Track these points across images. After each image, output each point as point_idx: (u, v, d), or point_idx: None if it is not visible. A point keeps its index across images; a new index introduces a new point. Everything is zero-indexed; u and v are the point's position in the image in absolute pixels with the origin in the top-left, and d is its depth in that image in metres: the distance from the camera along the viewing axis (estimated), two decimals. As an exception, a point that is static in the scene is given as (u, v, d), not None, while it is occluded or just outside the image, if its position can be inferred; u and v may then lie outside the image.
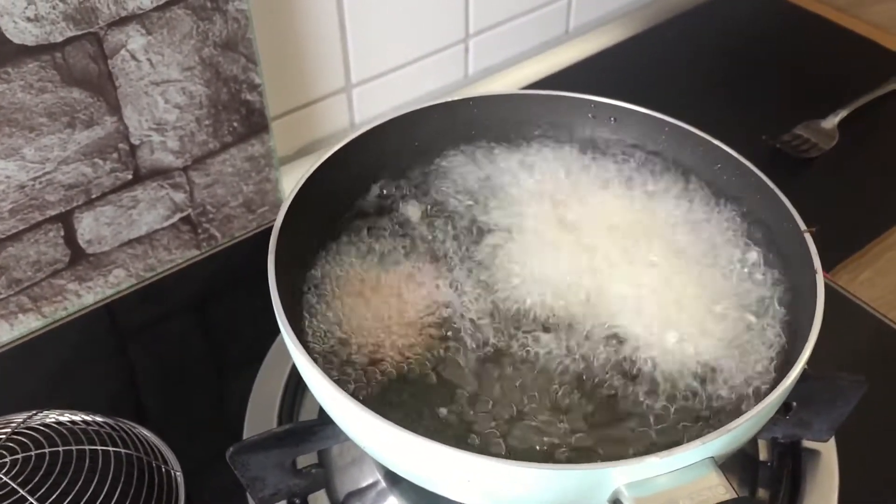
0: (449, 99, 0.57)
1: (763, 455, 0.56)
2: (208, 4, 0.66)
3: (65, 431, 0.46)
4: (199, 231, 0.75)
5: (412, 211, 0.56)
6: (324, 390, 0.41)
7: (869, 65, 0.95)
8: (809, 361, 0.54)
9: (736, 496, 0.37)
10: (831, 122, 0.86)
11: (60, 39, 0.60)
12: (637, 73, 0.94)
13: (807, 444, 0.55)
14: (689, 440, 0.38)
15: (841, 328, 0.66)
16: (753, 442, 0.55)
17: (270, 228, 0.71)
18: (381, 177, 0.58)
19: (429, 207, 0.56)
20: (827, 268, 0.73)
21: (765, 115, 0.89)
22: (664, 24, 1.01)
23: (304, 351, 0.42)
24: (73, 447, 0.45)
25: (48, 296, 0.69)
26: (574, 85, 0.62)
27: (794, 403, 0.51)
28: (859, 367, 0.50)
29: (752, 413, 0.39)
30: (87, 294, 0.71)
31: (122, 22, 0.62)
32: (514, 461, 0.37)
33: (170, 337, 0.68)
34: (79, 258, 0.69)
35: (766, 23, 1.02)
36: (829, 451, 0.55)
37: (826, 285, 0.68)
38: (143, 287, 0.72)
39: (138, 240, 0.72)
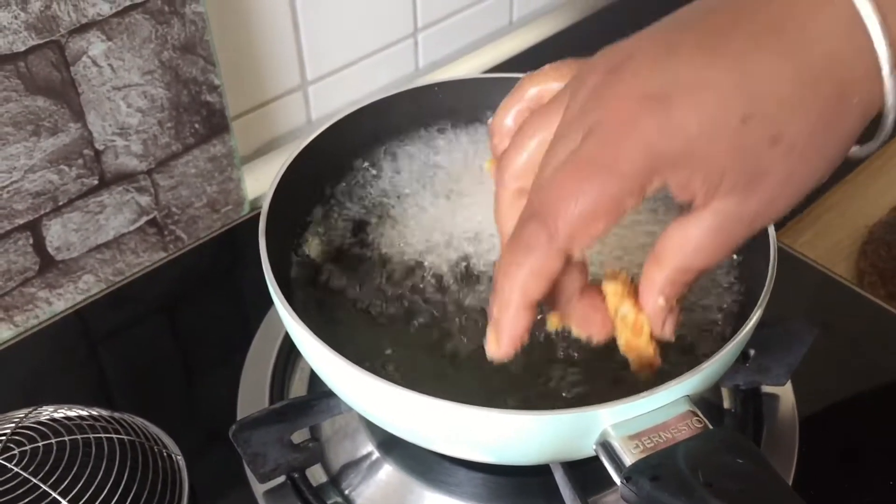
0: (414, 86, 0.59)
1: (727, 403, 0.59)
2: (166, 8, 0.67)
3: (68, 423, 0.47)
4: (166, 233, 0.76)
5: (388, 187, 0.59)
6: (318, 354, 0.43)
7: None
8: (765, 311, 0.58)
9: (710, 427, 0.40)
10: (765, 96, 0.91)
11: (23, 49, 0.61)
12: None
13: (766, 389, 0.59)
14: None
15: (790, 283, 0.71)
16: (717, 391, 0.59)
17: (234, 229, 0.73)
18: (355, 159, 0.60)
19: (404, 183, 0.59)
20: (770, 234, 0.78)
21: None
22: (603, 11, 1.04)
23: (294, 315, 0.44)
24: (79, 436, 0.46)
25: (19, 305, 0.69)
26: (520, 73, 0.64)
27: (753, 351, 0.55)
28: (809, 315, 0.54)
29: (723, 353, 0.42)
30: (58, 301, 0.72)
31: (82, 29, 0.63)
32: (511, 410, 0.40)
33: (153, 335, 0.69)
34: (48, 266, 0.70)
35: (698, 6, 1.06)
36: (786, 395, 0.59)
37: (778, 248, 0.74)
38: (114, 290, 0.73)
39: (106, 244, 0.73)
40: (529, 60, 0.96)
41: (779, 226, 0.78)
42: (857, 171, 0.85)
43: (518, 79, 0.61)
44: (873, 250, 0.78)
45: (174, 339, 0.70)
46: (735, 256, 0.53)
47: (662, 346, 0.48)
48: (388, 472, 0.54)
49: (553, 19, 1.02)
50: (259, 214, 0.50)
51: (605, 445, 0.41)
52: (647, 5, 1.03)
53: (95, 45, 0.64)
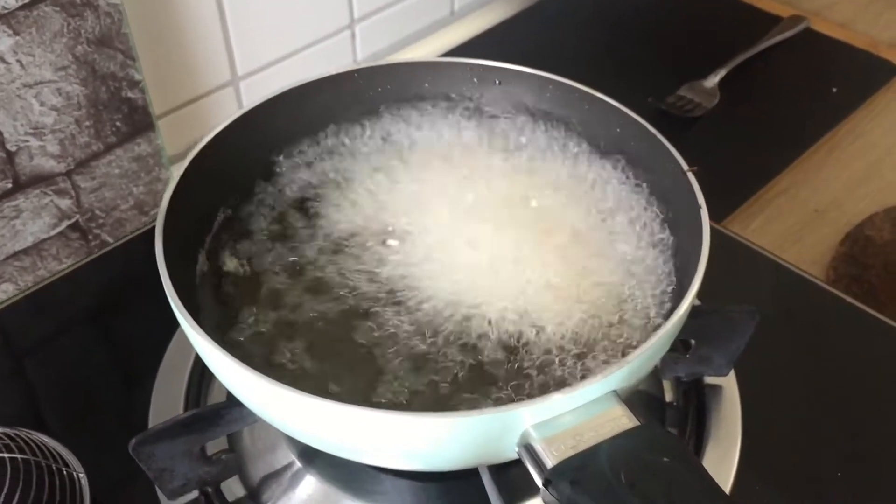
0: (335, 72, 0.57)
1: (669, 396, 0.57)
2: (78, 0, 0.64)
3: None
4: (90, 237, 0.73)
5: (304, 182, 0.56)
6: (221, 363, 0.40)
7: (743, 26, 0.98)
8: (709, 301, 0.56)
9: (637, 424, 0.38)
10: (712, 81, 0.89)
11: (-80, 45, 0.58)
12: (523, 49, 0.95)
13: (709, 380, 0.57)
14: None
15: (738, 272, 0.69)
16: (659, 384, 0.57)
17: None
18: (271, 153, 0.58)
19: (317, 179, 0.56)
20: (718, 219, 0.76)
21: (649, 79, 0.91)
22: (545, 2, 1.03)
23: (194, 323, 0.41)
24: (-35, 456, 0.43)
25: (-68, 317, 0.66)
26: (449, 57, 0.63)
27: (693, 341, 0.52)
28: (758, 304, 0.52)
29: (648, 345, 0.40)
30: (-24, 312, 0.68)
31: (-15, 23, 0.60)
32: (426, 413, 0.37)
33: (64, 342, 0.66)
34: (-37, 275, 0.67)
35: (643, -8, 1.05)
36: (730, 386, 0.57)
37: (720, 233, 0.72)
38: (31, 294, 0.69)
39: (25, 251, 0.69)
40: (471, 51, 0.94)
41: (728, 212, 0.77)
42: (806, 155, 0.83)
43: (437, 63, 0.60)
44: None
45: (92, 344, 0.66)
46: (675, 252, 0.51)
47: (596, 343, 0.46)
48: (310, 483, 0.51)
49: (495, 9, 1.01)
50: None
51: (528, 447, 0.38)
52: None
53: (2, 41, 0.61)
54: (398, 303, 0.48)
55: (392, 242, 0.51)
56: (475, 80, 0.59)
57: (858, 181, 0.82)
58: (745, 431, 0.55)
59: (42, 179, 0.68)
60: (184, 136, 0.81)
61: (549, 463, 0.37)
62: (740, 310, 0.51)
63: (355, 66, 0.57)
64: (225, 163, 0.53)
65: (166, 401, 0.55)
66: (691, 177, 0.49)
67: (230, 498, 0.51)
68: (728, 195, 0.78)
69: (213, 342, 0.40)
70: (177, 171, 0.51)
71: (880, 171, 0.83)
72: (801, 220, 0.78)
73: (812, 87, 0.91)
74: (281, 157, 0.58)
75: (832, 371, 0.61)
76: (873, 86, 0.90)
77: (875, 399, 0.60)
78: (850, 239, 0.78)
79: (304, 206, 0.55)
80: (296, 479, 0.51)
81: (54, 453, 0.48)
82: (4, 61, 0.62)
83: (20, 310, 0.68)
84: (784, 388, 0.60)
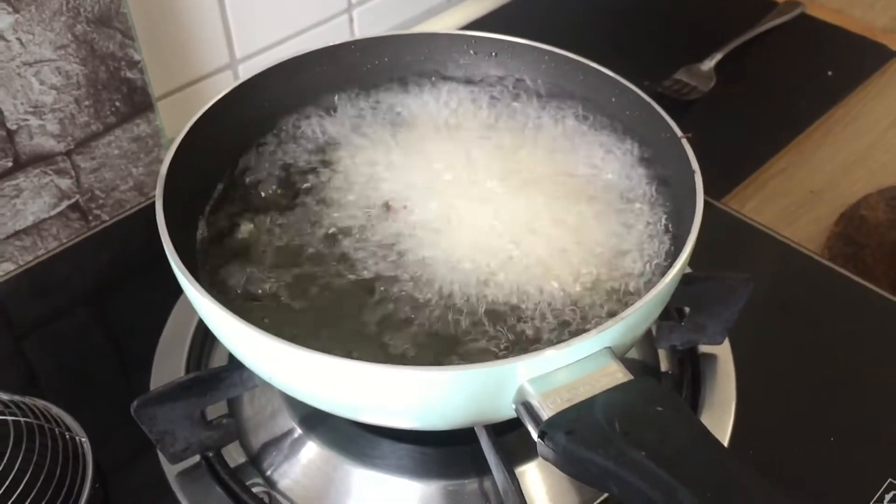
0: (331, 43, 0.57)
1: (664, 366, 0.57)
2: (77, -22, 0.64)
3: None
4: (90, 218, 0.73)
5: (302, 151, 0.56)
6: (219, 319, 0.40)
7: (739, 10, 0.99)
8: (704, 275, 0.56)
9: (632, 378, 0.38)
10: (708, 65, 0.90)
11: (-79, 22, 0.58)
12: (519, 33, 0.95)
13: (703, 349, 0.57)
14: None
15: (736, 247, 0.70)
16: (654, 353, 0.57)
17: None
18: (269, 123, 0.58)
19: (314, 150, 0.57)
20: (715, 200, 0.77)
21: (646, 63, 0.91)
22: (542, -12, 1.03)
23: (193, 279, 0.41)
24: (-27, 419, 0.43)
25: (-67, 295, 0.66)
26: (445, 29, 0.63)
27: (688, 309, 0.53)
28: (755, 277, 0.52)
29: (643, 302, 0.40)
30: (-24, 291, 0.69)
31: (-15, 0, 0.60)
32: (421, 367, 0.38)
33: (67, 314, 0.66)
34: (-37, 254, 0.67)
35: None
36: (725, 355, 0.57)
37: (718, 209, 0.73)
38: (32, 267, 0.70)
39: (25, 231, 0.69)
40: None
41: (725, 193, 0.78)
42: (802, 137, 0.84)
43: (435, 35, 0.60)
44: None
45: (88, 320, 0.66)
46: (670, 217, 0.51)
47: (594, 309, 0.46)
48: (311, 449, 0.51)
49: (492, -6, 1.01)
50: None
51: (525, 404, 0.39)
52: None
53: (2, 18, 0.61)
54: (395, 265, 0.48)
55: (390, 209, 0.51)
56: (472, 52, 0.60)
57: (853, 163, 0.82)
58: (740, 400, 0.55)
59: (42, 159, 0.68)
60: (183, 119, 0.79)
61: (545, 416, 0.37)
62: (734, 276, 0.51)
63: (352, 38, 0.57)
64: (224, 131, 0.53)
65: (168, 370, 0.55)
66: (685, 143, 0.49)
67: (231, 464, 0.51)
68: (724, 177, 0.79)
69: (212, 299, 0.40)
70: (177, 139, 0.51)
71: (874, 153, 0.83)
72: (797, 200, 0.78)
73: (808, 71, 0.91)
74: (279, 128, 0.58)
75: (827, 342, 0.62)
76: (868, 69, 0.91)
77: (868, 368, 0.60)
78: (846, 219, 0.78)
79: (302, 174, 0.55)
80: (296, 445, 0.51)
81: (57, 419, 0.49)
82: (4, 39, 0.62)
83: (22, 283, 0.68)
84: (778, 358, 0.60)
